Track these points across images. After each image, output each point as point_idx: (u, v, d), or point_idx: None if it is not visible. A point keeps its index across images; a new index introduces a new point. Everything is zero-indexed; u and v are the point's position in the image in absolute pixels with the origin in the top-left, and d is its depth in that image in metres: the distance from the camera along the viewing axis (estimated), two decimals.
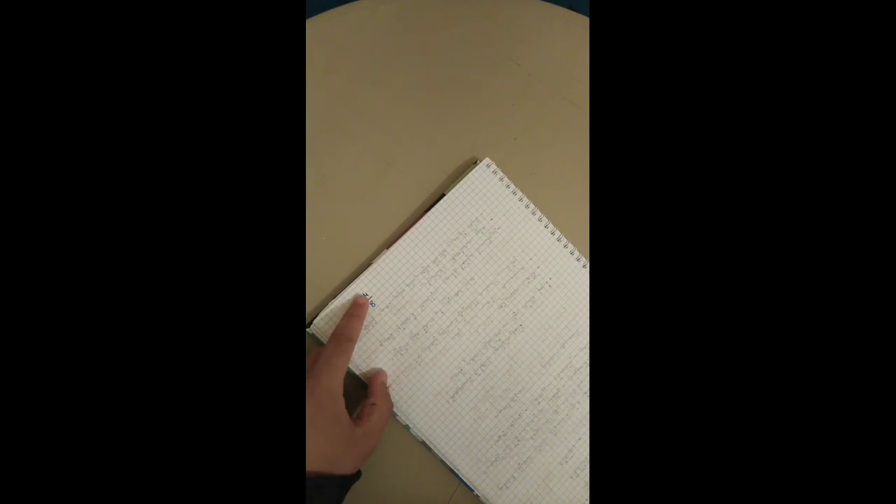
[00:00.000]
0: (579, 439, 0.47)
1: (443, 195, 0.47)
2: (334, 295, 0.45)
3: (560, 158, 0.50)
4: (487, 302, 0.47)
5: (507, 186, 0.48)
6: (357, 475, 0.40)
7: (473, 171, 0.48)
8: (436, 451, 0.45)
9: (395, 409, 0.45)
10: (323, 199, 0.47)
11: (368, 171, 0.48)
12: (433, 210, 0.47)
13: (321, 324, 0.45)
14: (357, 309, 0.44)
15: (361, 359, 0.45)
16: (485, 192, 0.48)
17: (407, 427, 0.45)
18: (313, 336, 0.45)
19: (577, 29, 0.52)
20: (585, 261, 0.49)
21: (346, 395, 0.41)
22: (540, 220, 0.48)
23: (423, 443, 0.45)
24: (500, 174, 0.48)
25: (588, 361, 0.48)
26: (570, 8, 0.53)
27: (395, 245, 0.46)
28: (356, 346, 0.44)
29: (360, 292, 0.45)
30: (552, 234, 0.48)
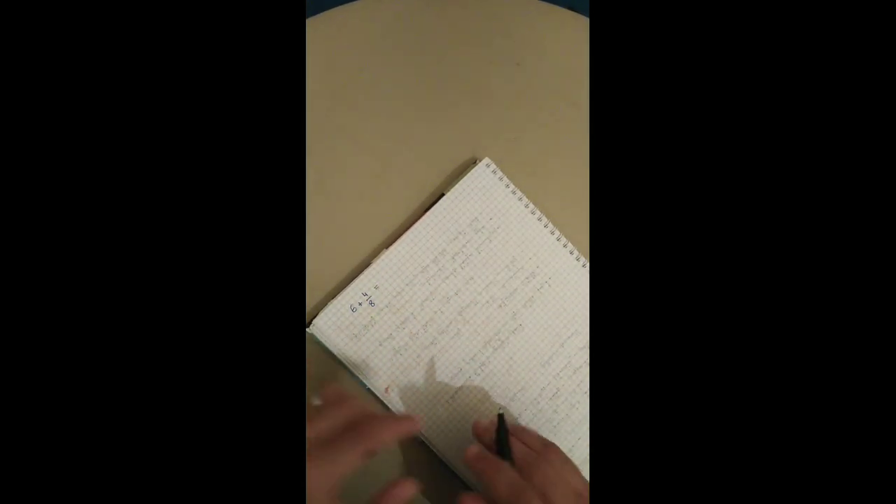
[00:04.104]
0: (579, 439, 0.47)
1: (442, 195, 0.47)
2: (334, 295, 0.45)
3: (560, 158, 0.50)
4: (487, 301, 0.47)
5: (507, 186, 0.48)
6: None
7: (473, 170, 0.48)
8: (436, 451, 0.45)
9: (394, 410, 0.45)
10: (323, 199, 0.47)
11: (368, 171, 0.48)
12: (433, 210, 0.47)
13: (321, 324, 0.45)
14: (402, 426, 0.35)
15: (360, 359, 0.45)
16: (484, 191, 0.48)
17: None
18: (313, 336, 0.45)
19: (577, 29, 0.53)
20: (585, 260, 0.49)
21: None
22: (539, 219, 0.48)
23: (423, 443, 0.45)
24: (500, 174, 0.48)
25: (587, 361, 0.48)
26: (570, 8, 0.53)
27: (395, 245, 0.46)
28: (356, 351, 0.44)
29: (360, 291, 0.45)
30: (552, 233, 0.48)
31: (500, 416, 0.39)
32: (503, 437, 0.38)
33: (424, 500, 0.45)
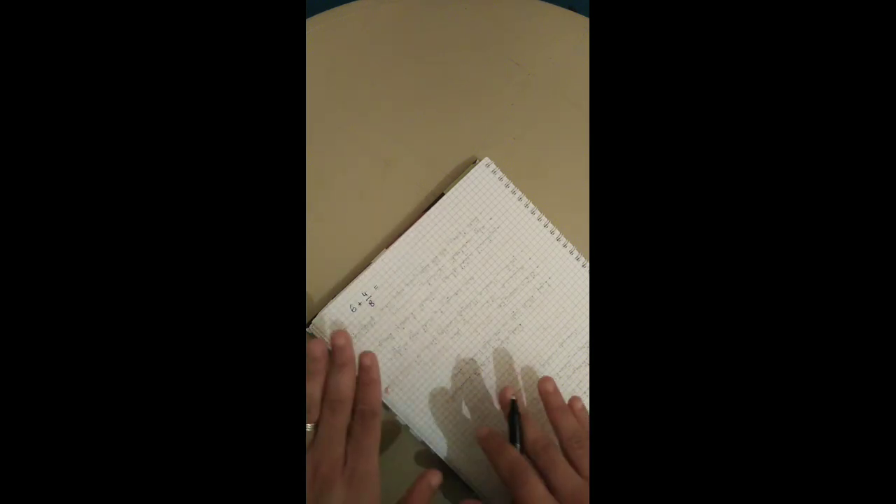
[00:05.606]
0: None
1: (442, 195, 0.47)
2: (334, 295, 0.45)
3: (560, 158, 0.50)
4: (487, 301, 0.47)
5: (507, 186, 0.48)
6: None
7: (473, 170, 0.48)
8: (436, 451, 0.45)
9: (394, 409, 0.45)
10: (323, 198, 0.47)
11: (368, 171, 0.48)
12: (432, 209, 0.47)
13: (321, 323, 0.45)
14: (368, 374, 0.40)
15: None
16: (484, 191, 0.48)
17: (406, 427, 0.45)
18: (313, 336, 0.45)
19: (577, 29, 0.53)
20: (585, 260, 0.49)
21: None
22: (539, 219, 0.48)
23: (423, 443, 0.45)
24: (500, 174, 0.48)
25: (586, 360, 0.48)
26: (570, 8, 0.53)
27: (395, 244, 0.46)
28: (356, 351, 0.44)
29: (360, 291, 0.45)
30: (551, 233, 0.48)
31: (513, 402, 0.41)
32: (514, 421, 0.40)
33: None
